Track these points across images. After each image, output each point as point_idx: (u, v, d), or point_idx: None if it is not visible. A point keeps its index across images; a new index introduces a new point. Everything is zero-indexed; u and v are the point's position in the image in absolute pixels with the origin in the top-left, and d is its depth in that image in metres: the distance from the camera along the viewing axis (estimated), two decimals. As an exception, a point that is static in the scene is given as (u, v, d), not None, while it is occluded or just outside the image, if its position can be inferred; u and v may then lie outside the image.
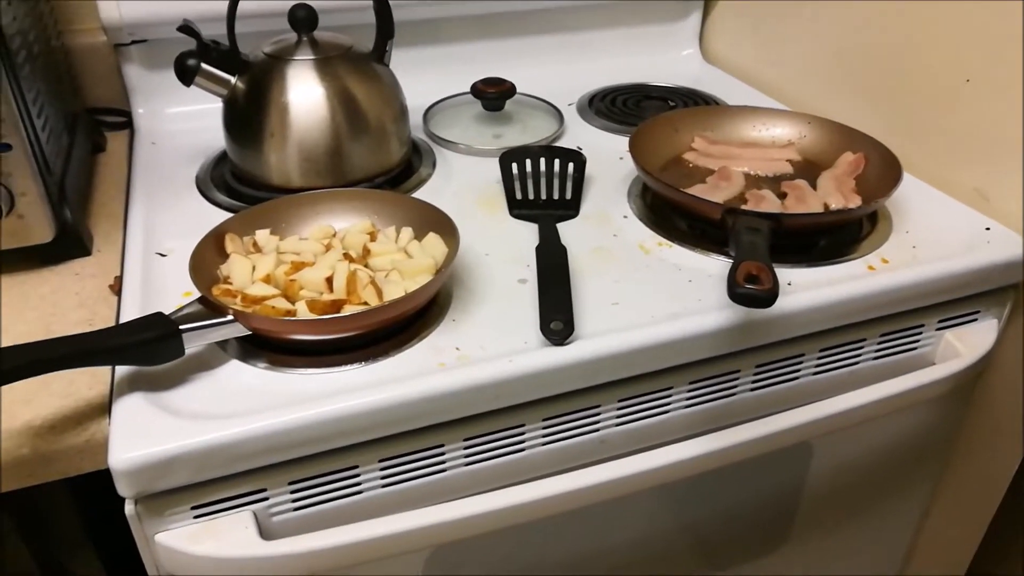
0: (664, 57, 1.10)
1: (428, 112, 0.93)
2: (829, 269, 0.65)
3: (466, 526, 0.55)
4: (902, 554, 0.92)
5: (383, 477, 0.56)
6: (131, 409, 0.51)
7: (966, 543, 0.88)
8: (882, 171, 0.72)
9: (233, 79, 0.74)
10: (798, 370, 0.66)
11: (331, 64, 0.75)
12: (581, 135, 0.91)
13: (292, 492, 0.54)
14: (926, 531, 0.91)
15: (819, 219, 0.67)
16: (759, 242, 0.56)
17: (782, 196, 0.73)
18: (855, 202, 0.71)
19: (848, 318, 0.64)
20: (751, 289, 0.50)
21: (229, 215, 0.73)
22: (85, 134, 0.84)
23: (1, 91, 0.59)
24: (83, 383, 0.54)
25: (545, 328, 0.56)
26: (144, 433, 0.49)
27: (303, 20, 0.75)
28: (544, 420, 0.59)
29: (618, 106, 0.97)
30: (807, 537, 0.81)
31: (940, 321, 0.70)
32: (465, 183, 0.80)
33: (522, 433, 0.59)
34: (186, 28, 0.71)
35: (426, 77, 0.97)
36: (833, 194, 0.72)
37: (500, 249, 0.69)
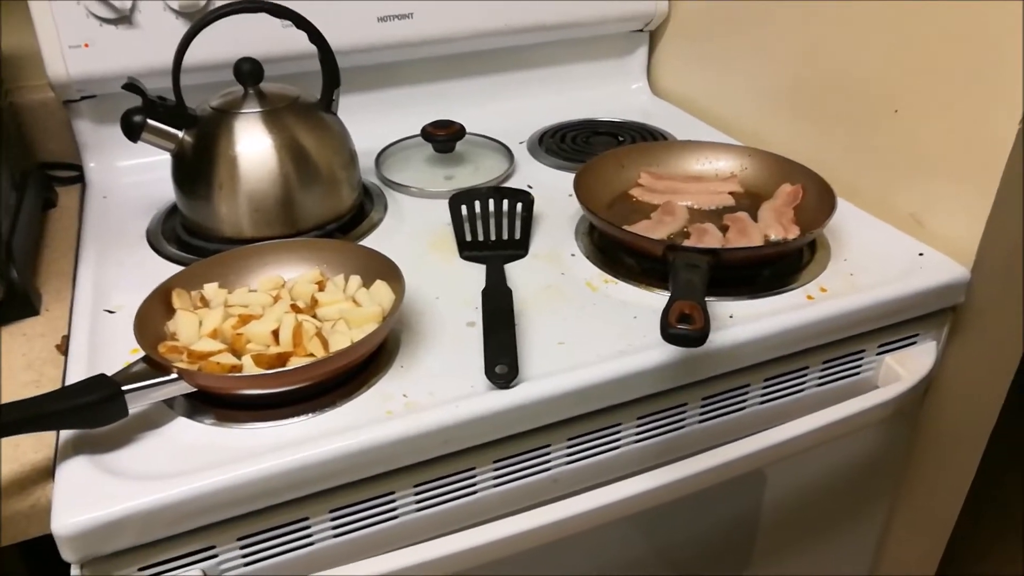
0: (613, 91, 1.13)
1: (380, 156, 0.94)
2: (770, 300, 0.67)
3: (422, 572, 0.55)
4: (865, 571, 0.93)
5: (334, 527, 0.56)
6: (74, 472, 0.51)
7: (928, 556, 0.90)
8: (819, 201, 0.74)
9: (180, 133, 0.75)
10: (744, 400, 0.68)
11: (278, 115, 0.76)
12: (532, 174, 0.92)
13: (242, 548, 0.54)
14: (888, 547, 0.92)
15: (758, 252, 0.69)
16: (695, 280, 0.58)
17: (724, 229, 0.75)
18: (794, 233, 0.73)
19: (790, 347, 0.66)
20: (682, 329, 0.51)
21: (180, 267, 0.74)
22: (36, 190, 0.84)
23: (-58, 156, 0.59)
24: (28, 447, 0.54)
25: (490, 372, 0.57)
26: (87, 496, 0.49)
27: (248, 73, 0.76)
28: (495, 462, 0.60)
29: (567, 143, 0.99)
30: (769, 560, 0.82)
31: (880, 346, 0.72)
32: (417, 226, 0.81)
33: (473, 476, 0.59)
34: (131, 86, 0.72)
35: (376, 121, 0.98)
36: (773, 225, 0.74)
37: (450, 292, 0.70)
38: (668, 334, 0.51)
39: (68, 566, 0.50)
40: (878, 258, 0.73)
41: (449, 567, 0.56)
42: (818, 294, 0.68)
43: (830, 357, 0.69)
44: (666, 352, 0.61)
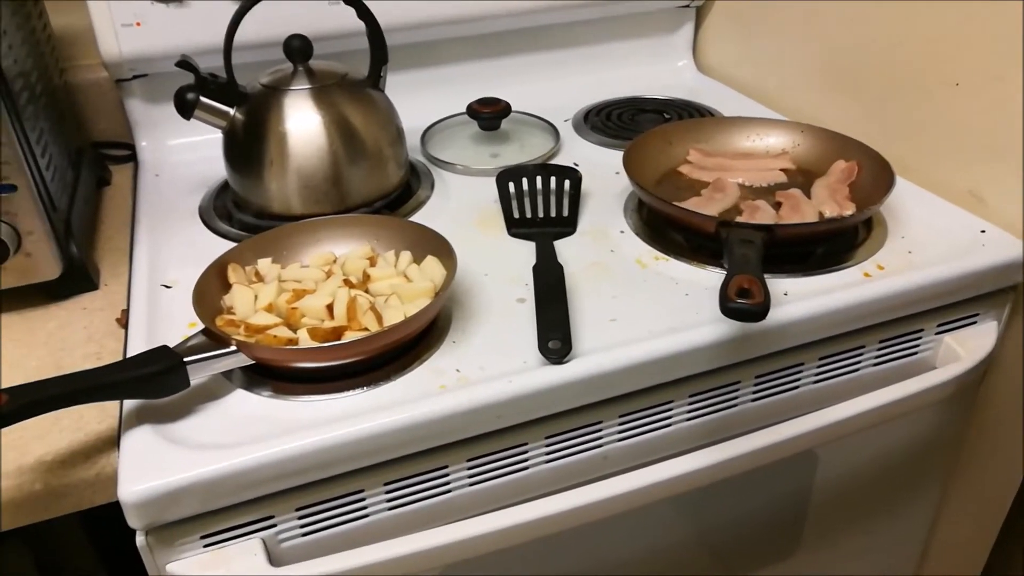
0: (658, 69, 1.11)
1: (426, 134, 0.94)
2: (825, 278, 0.66)
3: (473, 546, 0.56)
4: (916, 556, 0.92)
5: (388, 500, 0.57)
6: (139, 442, 0.52)
7: (980, 544, 0.88)
8: (875, 177, 0.72)
9: (232, 111, 0.76)
10: (798, 379, 0.66)
11: (327, 92, 0.76)
12: (577, 151, 0.91)
13: (299, 518, 0.55)
14: (939, 532, 0.91)
15: (813, 228, 0.68)
16: (751, 255, 0.57)
17: (777, 206, 0.74)
18: (849, 210, 0.71)
19: (846, 326, 0.65)
20: (742, 303, 0.50)
21: (231, 244, 0.75)
22: (90, 169, 0.85)
23: (3, 133, 0.60)
24: (92, 417, 0.55)
25: (543, 347, 0.57)
26: (152, 465, 0.50)
27: (298, 50, 0.76)
28: (547, 438, 0.60)
29: (613, 120, 0.97)
30: (818, 543, 0.81)
31: (939, 325, 0.70)
32: (463, 203, 0.81)
33: (525, 452, 0.59)
34: (184, 63, 0.73)
35: (422, 99, 0.98)
36: (827, 202, 0.72)
37: (499, 269, 0.69)
38: (728, 308, 0.50)
39: (128, 535, 0.52)
40: (937, 235, 0.71)
41: (500, 542, 0.56)
42: (875, 272, 0.66)
43: (887, 336, 0.68)
44: (720, 329, 0.60)
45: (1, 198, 0.61)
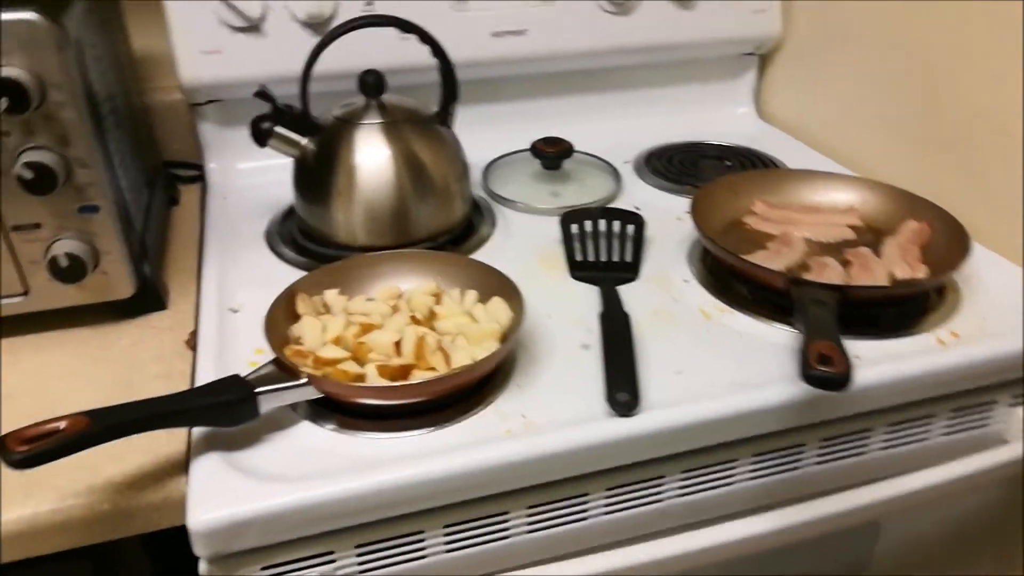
0: (719, 114, 1.11)
1: (487, 169, 0.95)
2: (898, 343, 0.65)
3: (528, 596, 0.55)
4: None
5: (447, 543, 0.56)
6: (208, 469, 0.52)
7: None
8: (949, 240, 0.71)
9: (304, 140, 0.77)
10: (866, 445, 0.65)
11: (397, 127, 0.77)
12: (638, 194, 0.91)
13: (358, 556, 0.55)
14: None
15: (888, 292, 0.67)
16: (827, 318, 0.56)
17: (845, 264, 0.73)
18: (921, 272, 0.70)
19: (919, 393, 0.63)
20: (825, 371, 0.49)
21: (296, 269, 0.76)
22: (162, 188, 0.87)
23: (90, 156, 0.62)
24: (162, 440, 0.56)
25: (611, 399, 0.57)
26: (221, 494, 0.50)
27: (372, 85, 0.77)
28: (608, 489, 0.59)
29: (675, 164, 0.97)
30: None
31: (1013, 397, 0.68)
32: (525, 242, 0.81)
33: (585, 503, 0.59)
34: (262, 94, 0.74)
35: (484, 134, 0.98)
36: (899, 263, 0.71)
37: (561, 312, 0.69)
38: (810, 376, 0.49)
39: (190, 559, 0.52)
40: (1012, 303, 0.69)
41: (558, 593, 0.56)
42: (949, 339, 0.65)
43: (959, 406, 0.66)
44: (789, 390, 0.59)
45: (85, 218, 0.62)
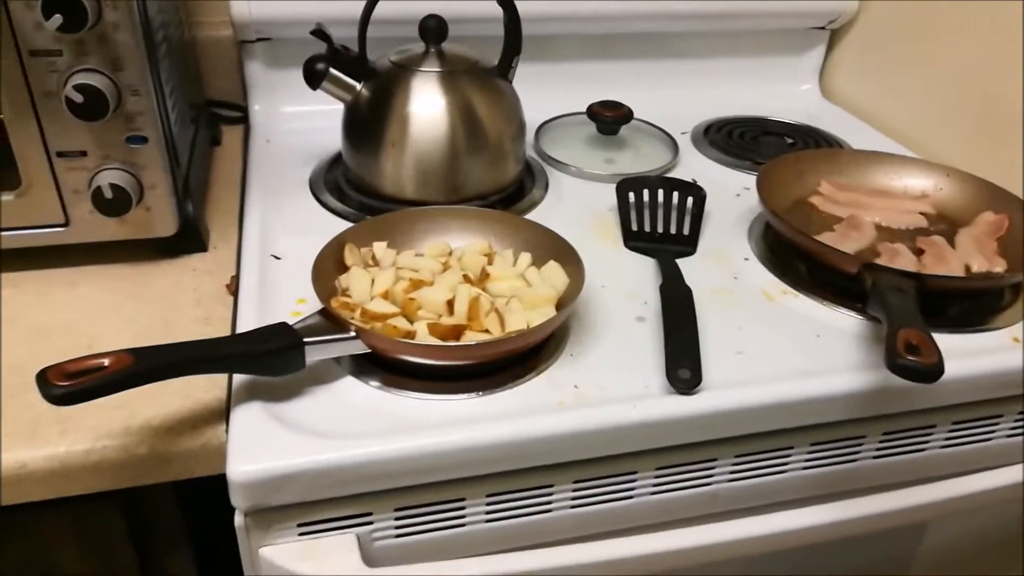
0: (781, 90, 1.06)
1: (540, 129, 0.91)
2: (971, 338, 0.61)
3: (571, 575, 0.53)
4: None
5: (488, 512, 0.54)
6: (249, 420, 0.50)
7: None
8: (1030, 235, 0.67)
9: (359, 85, 0.74)
10: (927, 442, 0.62)
11: (456, 78, 0.74)
12: (696, 166, 0.88)
13: (396, 519, 0.53)
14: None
15: (967, 283, 0.63)
16: (911, 306, 0.53)
17: (917, 252, 0.69)
18: (999, 266, 0.66)
19: (991, 392, 0.60)
20: (915, 362, 0.46)
21: (341, 219, 0.73)
22: (206, 127, 0.84)
23: (142, 84, 0.59)
24: (200, 386, 0.54)
25: (671, 375, 0.54)
26: (263, 446, 0.48)
27: (433, 31, 0.74)
28: (657, 469, 0.56)
29: (735, 139, 0.93)
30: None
31: (1086, 403, 0.65)
32: (578, 208, 0.78)
33: (633, 481, 0.56)
34: (319, 32, 0.71)
35: (539, 93, 0.94)
36: (975, 255, 0.67)
37: (616, 282, 0.66)
38: (897, 365, 0.46)
39: (224, 510, 0.50)
40: (1095, 306, 0.65)
41: (601, 572, 0.54)
42: (1027, 338, 0.62)
43: (1028, 409, 0.63)
44: (854, 379, 0.56)
45: (132, 149, 0.60)
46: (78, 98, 0.55)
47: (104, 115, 0.56)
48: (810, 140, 0.93)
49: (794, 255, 0.70)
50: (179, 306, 0.62)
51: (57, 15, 0.52)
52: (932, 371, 0.46)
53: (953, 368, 0.57)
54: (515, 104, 0.78)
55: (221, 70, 0.94)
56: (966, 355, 0.59)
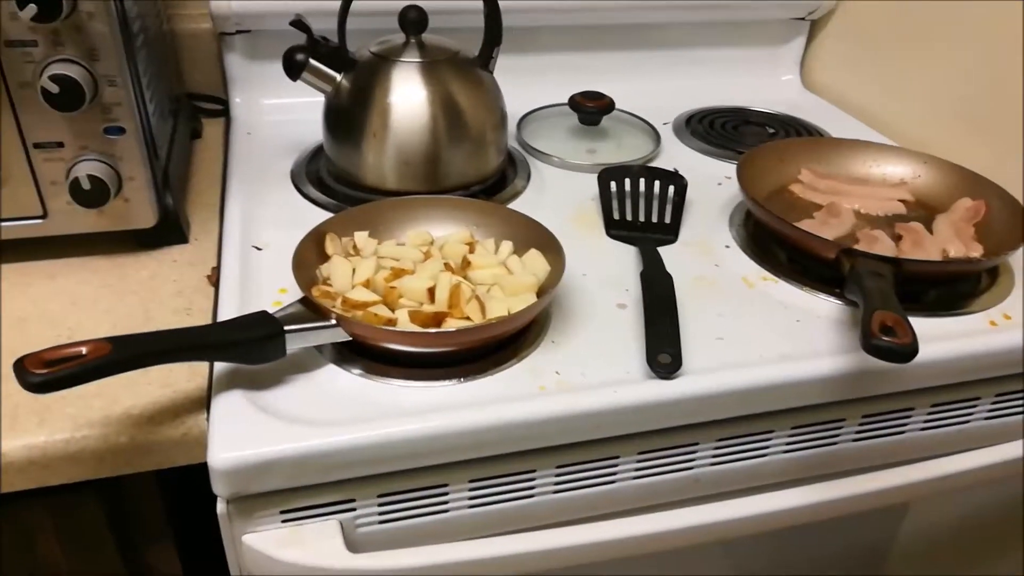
0: (762, 81, 1.07)
1: (522, 121, 0.92)
2: (947, 321, 0.62)
3: (552, 558, 0.53)
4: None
5: (471, 498, 0.55)
6: (230, 407, 0.50)
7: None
8: (1007, 221, 0.68)
9: (339, 76, 0.74)
10: (905, 425, 0.63)
11: (437, 68, 0.74)
12: (678, 156, 0.88)
13: (380, 505, 0.53)
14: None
15: (944, 268, 0.64)
16: (887, 290, 0.53)
17: (896, 238, 0.70)
18: (976, 251, 0.67)
19: (968, 375, 0.61)
20: (890, 342, 0.47)
21: (322, 210, 0.73)
22: (185, 120, 0.84)
23: (119, 74, 0.59)
24: (181, 375, 0.54)
25: (652, 360, 0.54)
26: (244, 434, 0.48)
27: (413, 22, 0.74)
28: (640, 453, 0.57)
29: (716, 129, 0.94)
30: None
31: (1061, 385, 0.66)
32: (560, 198, 0.78)
33: (616, 465, 0.57)
34: (298, 23, 0.71)
35: (521, 85, 0.94)
36: (952, 241, 0.68)
37: (597, 270, 0.67)
38: (872, 346, 0.47)
39: (205, 498, 0.50)
40: (1069, 289, 0.66)
41: (583, 556, 0.54)
42: (1002, 321, 0.62)
43: (1005, 390, 0.64)
44: (834, 363, 0.57)
45: (110, 140, 0.59)
46: (54, 88, 0.54)
47: (80, 106, 0.56)
48: (791, 129, 0.94)
49: (774, 242, 0.70)
50: (160, 297, 0.62)
51: (31, 4, 0.51)
52: (906, 351, 0.47)
53: (930, 351, 0.59)
54: (496, 94, 0.78)
55: (201, 63, 0.93)
56: (944, 338, 0.60)
